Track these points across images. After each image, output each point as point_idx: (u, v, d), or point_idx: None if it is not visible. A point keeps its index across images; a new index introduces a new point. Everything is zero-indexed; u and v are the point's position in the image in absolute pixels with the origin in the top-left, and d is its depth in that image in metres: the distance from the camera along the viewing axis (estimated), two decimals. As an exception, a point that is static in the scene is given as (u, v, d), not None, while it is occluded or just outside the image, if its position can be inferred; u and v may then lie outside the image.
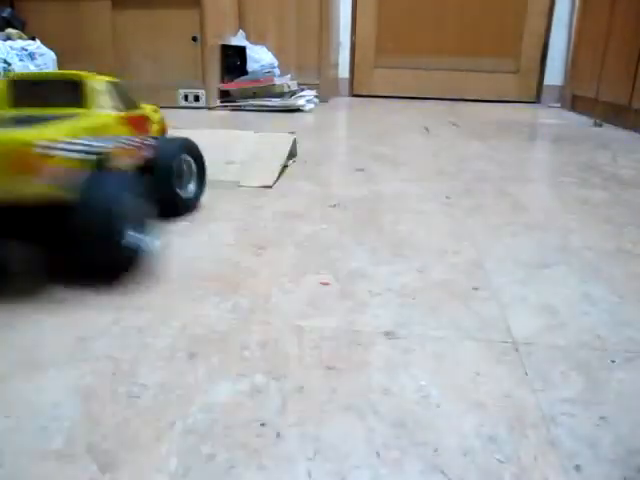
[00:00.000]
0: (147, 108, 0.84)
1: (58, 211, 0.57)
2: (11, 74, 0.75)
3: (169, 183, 0.81)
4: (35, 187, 0.55)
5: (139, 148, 0.74)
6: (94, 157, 0.62)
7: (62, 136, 0.58)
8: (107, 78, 0.73)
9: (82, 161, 0.60)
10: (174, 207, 0.85)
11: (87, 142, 0.61)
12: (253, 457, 0.37)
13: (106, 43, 2.46)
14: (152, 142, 0.79)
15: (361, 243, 0.79)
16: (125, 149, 0.70)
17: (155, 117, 0.86)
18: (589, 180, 1.22)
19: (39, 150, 0.54)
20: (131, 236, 0.62)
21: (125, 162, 0.70)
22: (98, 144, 0.63)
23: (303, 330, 0.54)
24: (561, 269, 0.71)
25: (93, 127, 0.65)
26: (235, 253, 0.74)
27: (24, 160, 0.54)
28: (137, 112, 0.78)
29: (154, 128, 0.84)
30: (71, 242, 0.58)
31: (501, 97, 3.16)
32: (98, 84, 0.70)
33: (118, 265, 0.64)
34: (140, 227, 0.64)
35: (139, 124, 0.77)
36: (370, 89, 3.28)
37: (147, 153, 0.77)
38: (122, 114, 0.72)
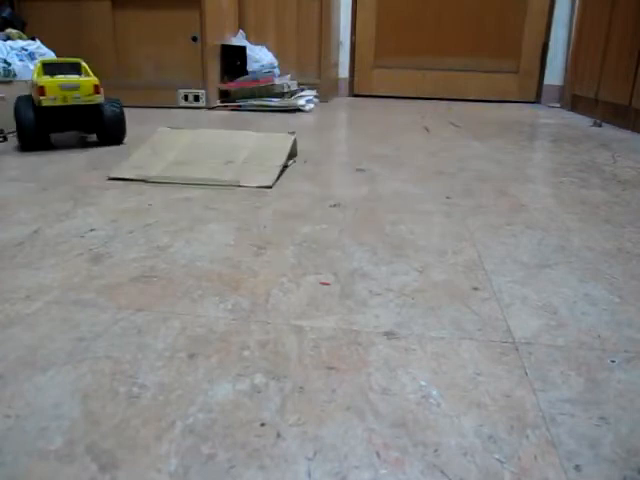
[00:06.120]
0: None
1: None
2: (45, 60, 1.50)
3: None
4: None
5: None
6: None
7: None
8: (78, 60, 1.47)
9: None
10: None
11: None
12: (253, 457, 0.37)
13: (106, 43, 2.46)
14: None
15: (361, 243, 0.79)
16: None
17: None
18: (589, 180, 1.22)
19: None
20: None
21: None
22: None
23: (303, 330, 0.54)
24: (561, 269, 0.71)
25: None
26: (235, 253, 0.74)
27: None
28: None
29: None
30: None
31: (501, 97, 3.16)
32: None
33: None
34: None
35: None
36: (370, 89, 3.28)
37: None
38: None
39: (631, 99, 2.03)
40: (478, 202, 1.02)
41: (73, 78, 1.40)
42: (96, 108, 1.45)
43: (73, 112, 1.43)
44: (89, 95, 1.41)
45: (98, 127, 1.51)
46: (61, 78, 1.39)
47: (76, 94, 1.39)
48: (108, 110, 1.49)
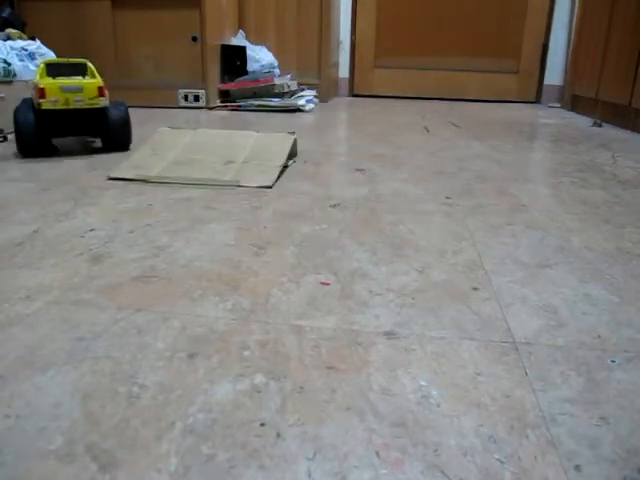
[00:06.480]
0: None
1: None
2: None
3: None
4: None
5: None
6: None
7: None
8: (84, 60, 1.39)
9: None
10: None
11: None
12: (253, 457, 0.37)
13: (106, 43, 2.46)
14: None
15: (361, 243, 0.79)
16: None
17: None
18: (589, 180, 1.22)
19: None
20: None
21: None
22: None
23: (303, 330, 0.54)
24: (561, 269, 0.71)
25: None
26: (235, 253, 0.74)
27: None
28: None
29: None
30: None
31: (501, 97, 3.16)
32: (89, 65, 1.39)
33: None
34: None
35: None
36: (370, 89, 3.28)
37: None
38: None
39: (631, 99, 2.03)
40: (478, 202, 1.02)
41: (76, 80, 1.33)
42: (101, 112, 1.37)
43: (76, 116, 1.34)
44: (92, 98, 1.33)
45: (103, 132, 1.42)
46: (63, 80, 1.31)
47: (78, 97, 1.31)
48: (113, 114, 1.40)
